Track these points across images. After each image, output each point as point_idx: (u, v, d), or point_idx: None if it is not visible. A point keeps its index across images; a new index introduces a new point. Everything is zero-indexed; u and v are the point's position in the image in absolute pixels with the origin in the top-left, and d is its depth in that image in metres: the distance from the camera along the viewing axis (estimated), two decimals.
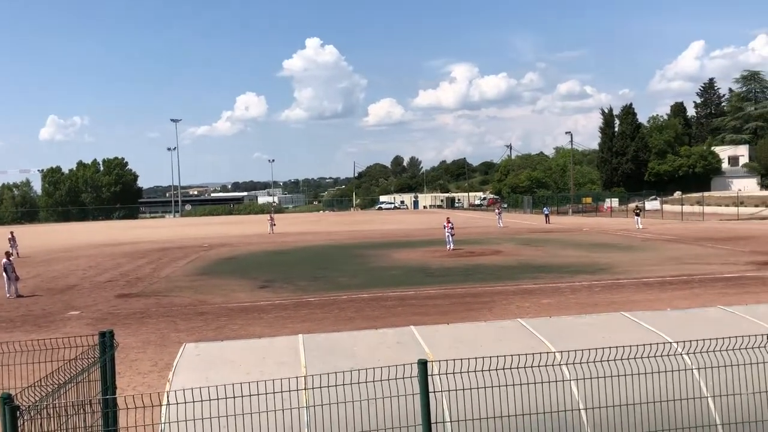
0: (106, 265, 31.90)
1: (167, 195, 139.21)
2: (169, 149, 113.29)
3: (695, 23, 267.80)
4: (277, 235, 50.02)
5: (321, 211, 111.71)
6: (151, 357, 13.64)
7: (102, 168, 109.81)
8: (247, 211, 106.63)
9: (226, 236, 50.66)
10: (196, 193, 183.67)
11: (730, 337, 4.99)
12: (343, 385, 4.56)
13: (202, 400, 4.43)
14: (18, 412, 3.96)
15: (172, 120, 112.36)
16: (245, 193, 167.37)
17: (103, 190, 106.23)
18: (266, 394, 4.48)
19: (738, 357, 4.99)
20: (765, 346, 4.94)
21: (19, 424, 3.93)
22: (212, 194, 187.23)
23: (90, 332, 16.17)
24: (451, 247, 33.35)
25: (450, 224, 34.36)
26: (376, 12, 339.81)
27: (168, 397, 4.62)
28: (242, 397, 4.48)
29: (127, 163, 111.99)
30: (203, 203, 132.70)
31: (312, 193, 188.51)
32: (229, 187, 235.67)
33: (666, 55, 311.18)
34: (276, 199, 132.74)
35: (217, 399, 4.43)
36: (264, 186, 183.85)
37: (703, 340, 4.96)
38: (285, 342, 5.98)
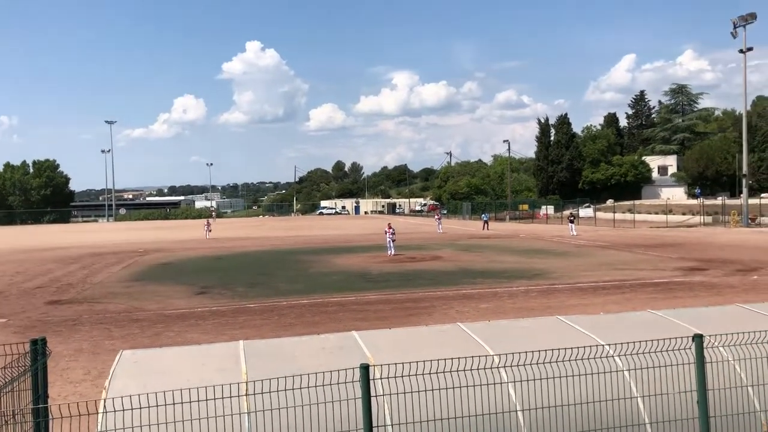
0: (35, 271, 30.71)
1: (101, 198, 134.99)
2: (103, 151, 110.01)
3: (627, 37, 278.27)
4: (215, 240, 49.22)
5: (261, 216, 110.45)
6: (83, 365, 13.21)
7: (32, 170, 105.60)
8: (184, 216, 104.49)
9: (162, 241, 49.52)
10: (131, 197, 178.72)
11: (658, 340, 5.22)
12: (285, 390, 4.56)
13: (140, 408, 4.35)
14: None
15: (106, 122, 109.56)
16: (182, 197, 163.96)
17: (33, 193, 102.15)
18: (206, 400, 4.43)
19: (665, 358, 5.22)
20: (689, 348, 5.19)
21: None
22: (148, 198, 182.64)
23: (18, 340, 15.58)
24: (392, 253, 33.54)
25: (391, 230, 34.56)
26: (318, 17, 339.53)
27: (105, 404, 4.51)
28: (182, 403, 4.41)
29: (58, 165, 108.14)
30: (138, 207, 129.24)
31: (252, 198, 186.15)
32: (166, 191, 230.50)
33: (599, 67, 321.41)
34: (214, 203, 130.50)
35: (156, 406, 4.36)
36: (202, 190, 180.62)
37: (633, 342, 5.18)
38: (225, 348, 5.92)
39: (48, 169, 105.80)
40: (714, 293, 19.74)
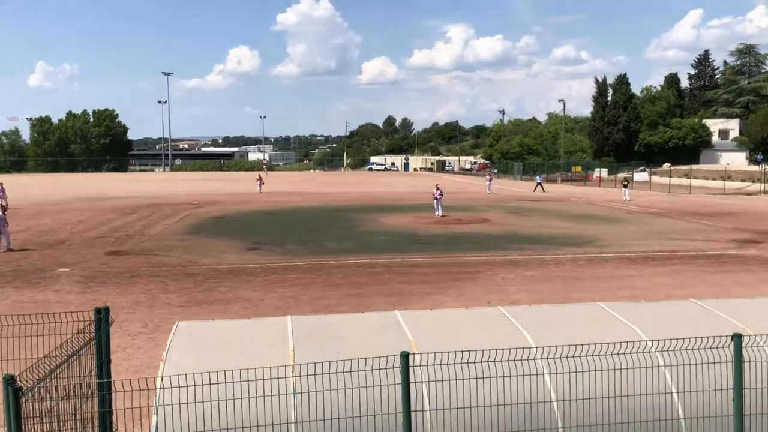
0: (96, 221, 31.97)
1: (157, 148, 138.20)
2: (159, 102, 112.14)
3: None
4: (267, 194, 50.06)
5: (312, 170, 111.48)
6: (140, 318, 13.89)
7: (92, 119, 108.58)
8: (237, 167, 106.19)
9: (215, 193, 50.67)
10: (186, 146, 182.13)
11: (698, 338, 5.26)
12: (329, 373, 4.81)
13: (195, 385, 4.67)
14: (20, 394, 4.17)
15: (163, 73, 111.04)
16: (236, 149, 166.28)
17: (93, 141, 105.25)
18: (256, 380, 4.72)
19: (704, 356, 5.27)
20: (729, 346, 5.22)
21: (21, 406, 4.15)
22: (203, 148, 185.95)
23: (80, 290, 16.42)
24: (440, 214, 33.58)
25: (439, 191, 34.52)
26: None
27: (162, 381, 4.86)
28: (233, 382, 4.72)
29: (117, 114, 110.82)
30: (193, 157, 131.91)
31: (303, 151, 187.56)
32: (220, 141, 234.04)
33: (663, 22, 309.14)
34: (266, 156, 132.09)
35: (210, 384, 4.67)
36: (255, 141, 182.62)
37: (674, 339, 5.24)
38: (274, 324, 6.22)
39: (107, 119, 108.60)
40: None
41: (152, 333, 12.77)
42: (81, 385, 4.91)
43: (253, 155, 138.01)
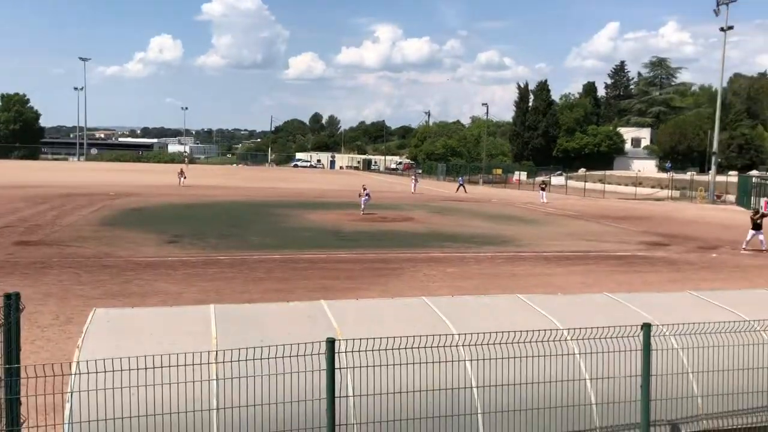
0: (3, 209, 30.34)
1: (72, 136, 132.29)
2: (75, 89, 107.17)
3: (612, 4, 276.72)
4: (187, 188, 48.85)
5: (235, 165, 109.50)
6: (52, 310, 13.29)
7: (0, 103, 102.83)
8: (156, 159, 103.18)
9: (133, 185, 49.04)
10: (102, 136, 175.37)
11: (611, 327, 5.53)
12: (253, 359, 4.77)
13: (113, 371, 4.53)
14: None
15: (80, 58, 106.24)
16: (155, 140, 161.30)
17: (1, 127, 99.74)
18: (177, 366, 4.62)
19: (615, 344, 5.54)
20: (638, 336, 5.51)
21: None
22: (120, 138, 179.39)
23: None
24: (363, 211, 33.62)
25: (366, 191, 34.56)
26: None
27: (78, 366, 4.68)
28: (153, 368, 4.60)
29: (28, 99, 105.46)
30: (110, 147, 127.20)
31: (226, 145, 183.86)
32: (139, 132, 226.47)
33: (583, 33, 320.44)
34: (188, 148, 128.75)
35: (128, 370, 4.54)
36: (175, 133, 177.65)
37: (588, 328, 5.48)
38: (196, 311, 6.10)
39: (17, 104, 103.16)
40: (673, 269, 20.36)
41: (64, 325, 12.26)
42: None
43: (173, 147, 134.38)
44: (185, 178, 51.56)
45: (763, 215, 25.17)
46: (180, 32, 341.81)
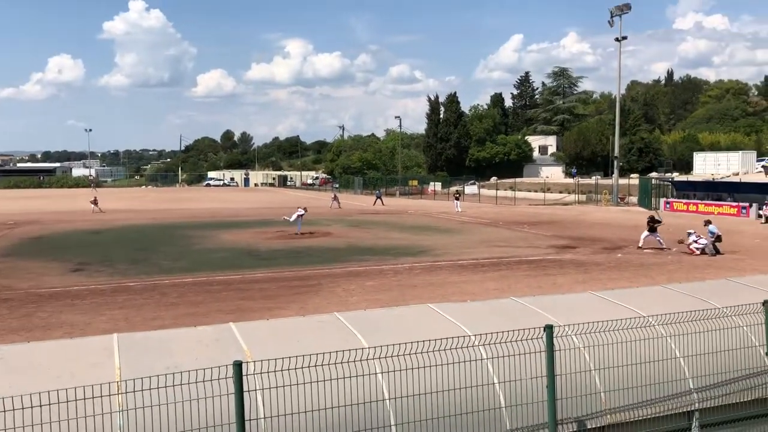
0: None
1: None
2: None
3: (516, 17, 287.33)
4: (94, 213, 46.92)
5: (144, 186, 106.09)
6: None
7: None
8: (60, 184, 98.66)
9: (35, 212, 46.67)
10: None
11: (516, 330, 5.69)
12: (158, 388, 4.62)
13: (5, 410, 4.27)
14: None
15: None
16: (58, 164, 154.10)
17: None
18: (76, 400, 4.41)
19: (522, 347, 5.71)
20: (541, 338, 5.70)
21: None
22: (18, 164, 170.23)
23: None
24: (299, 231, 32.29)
25: (300, 209, 33.49)
26: None
27: None
28: (49, 405, 4.37)
29: None
30: (8, 174, 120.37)
31: (134, 166, 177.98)
32: (39, 156, 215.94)
33: (489, 46, 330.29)
34: (93, 171, 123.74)
35: (22, 408, 4.29)
36: (80, 156, 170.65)
37: (495, 333, 5.62)
38: (98, 342, 5.85)
39: None
40: (581, 271, 21.19)
41: None
42: None
43: (78, 171, 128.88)
44: (97, 205, 48.64)
45: (657, 222, 26.64)
46: (80, 51, 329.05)
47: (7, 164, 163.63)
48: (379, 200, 56.76)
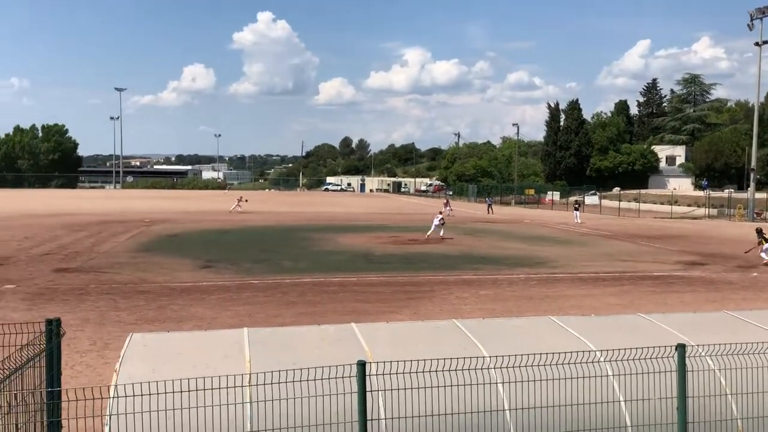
0: (43, 237, 31.10)
1: (108, 165, 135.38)
2: (111, 118, 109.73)
3: (643, 22, 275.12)
4: (221, 213, 49.51)
5: (267, 190, 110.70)
6: (89, 336, 13.55)
7: (40, 134, 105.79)
8: (191, 186, 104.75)
9: (168, 211, 49.88)
10: (138, 164, 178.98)
11: (644, 348, 5.45)
12: (285, 382, 4.82)
13: (149, 394, 4.62)
14: None
15: (116, 89, 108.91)
16: (189, 167, 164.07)
17: (41, 157, 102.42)
18: (212, 389, 4.70)
19: (650, 365, 5.46)
20: (673, 357, 5.42)
21: None
22: (155, 166, 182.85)
23: (26, 308, 15.93)
24: (441, 234, 32.61)
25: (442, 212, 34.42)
26: None
27: (116, 389, 4.79)
28: (188, 391, 4.68)
29: (67, 130, 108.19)
30: (145, 175, 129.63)
31: (258, 170, 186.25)
32: (173, 159, 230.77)
33: (613, 51, 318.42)
34: (221, 174, 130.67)
35: (165, 393, 4.62)
36: (209, 160, 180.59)
37: (621, 349, 5.41)
38: (230, 335, 6.19)
39: (56, 134, 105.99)
40: (712, 289, 19.94)
41: (102, 351, 12.48)
42: (32, 395, 4.80)
43: (207, 173, 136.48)
44: (240, 205, 51.07)
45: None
46: (212, 61, 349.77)
47: (145, 166, 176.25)
48: (490, 208, 56.02)
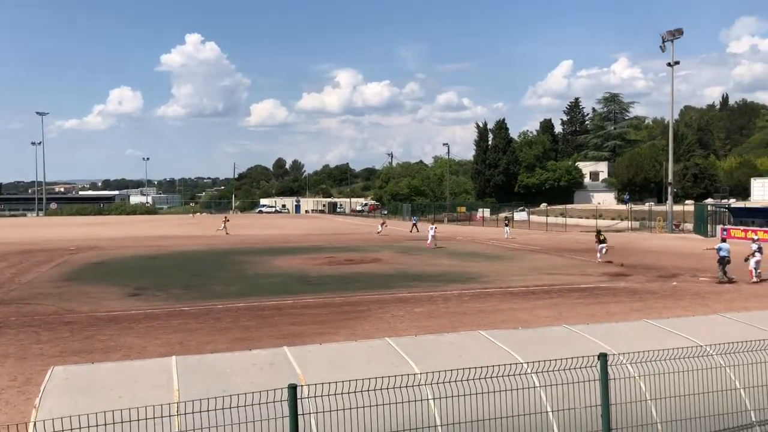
0: None
1: (30, 191, 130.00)
2: (33, 143, 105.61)
3: (565, 44, 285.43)
4: (151, 238, 48.25)
5: (198, 213, 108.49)
6: (9, 371, 12.92)
7: None
8: (118, 211, 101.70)
9: (95, 238, 48.24)
10: (62, 190, 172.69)
11: (569, 358, 5.63)
12: (215, 410, 4.74)
13: (72, 429, 4.46)
14: None
15: (38, 113, 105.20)
16: (117, 192, 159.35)
17: None
18: (138, 420, 4.57)
19: (575, 375, 5.65)
20: (596, 366, 5.63)
21: None
22: (80, 192, 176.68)
23: None
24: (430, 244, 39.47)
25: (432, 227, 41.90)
26: (259, 12, 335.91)
27: (35, 426, 4.60)
28: (113, 424, 4.54)
29: None
30: (70, 201, 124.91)
31: (189, 194, 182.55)
32: (100, 185, 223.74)
33: (538, 72, 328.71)
34: (150, 199, 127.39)
35: (88, 427, 4.47)
36: (137, 184, 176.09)
37: (548, 360, 5.58)
38: (158, 364, 6.04)
39: None
40: (636, 299, 20.71)
41: (23, 386, 11.91)
42: None
43: (136, 198, 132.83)
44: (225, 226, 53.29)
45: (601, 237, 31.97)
46: (139, 83, 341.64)
47: (69, 192, 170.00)
48: (414, 227, 56.38)
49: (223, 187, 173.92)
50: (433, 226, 43.23)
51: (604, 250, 31.63)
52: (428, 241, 40.64)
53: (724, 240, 25.66)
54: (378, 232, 52.22)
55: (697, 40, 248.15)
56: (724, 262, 24.01)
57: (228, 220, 55.98)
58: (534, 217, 66.16)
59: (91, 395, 5.32)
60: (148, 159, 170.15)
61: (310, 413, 5.05)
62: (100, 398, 5.25)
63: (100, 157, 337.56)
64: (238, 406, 4.78)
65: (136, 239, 47.51)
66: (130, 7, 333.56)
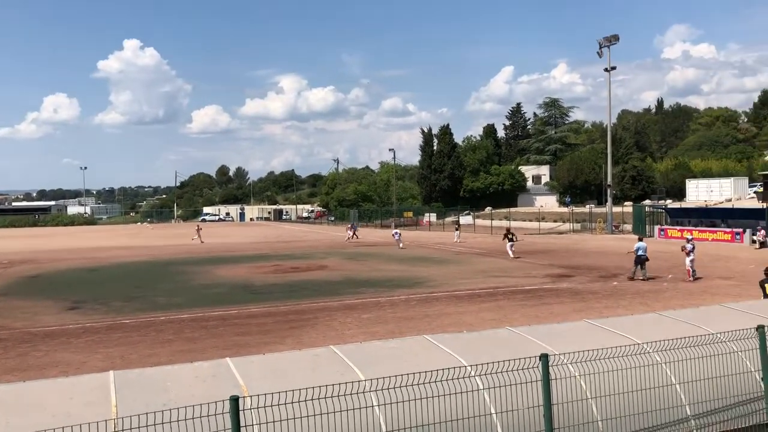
0: None
1: None
2: None
3: (506, 50, 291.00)
4: (89, 250, 46.83)
5: (139, 223, 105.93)
6: None
7: None
8: (55, 223, 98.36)
9: (30, 251, 46.52)
10: None
11: (512, 360, 5.71)
12: (155, 424, 4.61)
13: None
14: None
15: None
16: (53, 202, 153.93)
17: None
18: None
19: (517, 377, 5.72)
20: (537, 367, 5.72)
21: None
22: (14, 203, 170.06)
23: None
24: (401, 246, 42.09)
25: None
26: (200, 17, 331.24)
27: None
28: None
29: None
30: (3, 213, 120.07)
31: (129, 203, 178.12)
32: (35, 195, 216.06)
33: (480, 78, 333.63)
34: (88, 209, 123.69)
35: None
36: (75, 194, 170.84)
37: (491, 363, 5.63)
38: (94, 380, 5.84)
39: None
40: (578, 300, 21.19)
41: None
42: None
43: (73, 209, 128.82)
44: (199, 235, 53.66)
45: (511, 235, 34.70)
46: (76, 90, 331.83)
47: (2, 203, 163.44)
48: (354, 234, 55.98)
49: (164, 196, 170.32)
50: (397, 231, 46.65)
51: (512, 247, 34.50)
52: (400, 245, 43.39)
53: (641, 239, 26.56)
54: (348, 239, 51.91)
55: (632, 47, 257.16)
56: (640, 260, 25.08)
57: (201, 229, 56.88)
58: (479, 221, 67.06)
59: (23, 414, 5.10)
60: (85, 168, 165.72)
61: (253, 425, 4.97)
62: (34, 417, 5.04)
63: (35, 167, 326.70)
64: (178, 420, 4.65)
65: (74, 251, 46.03)
66: (64, 11, 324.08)
